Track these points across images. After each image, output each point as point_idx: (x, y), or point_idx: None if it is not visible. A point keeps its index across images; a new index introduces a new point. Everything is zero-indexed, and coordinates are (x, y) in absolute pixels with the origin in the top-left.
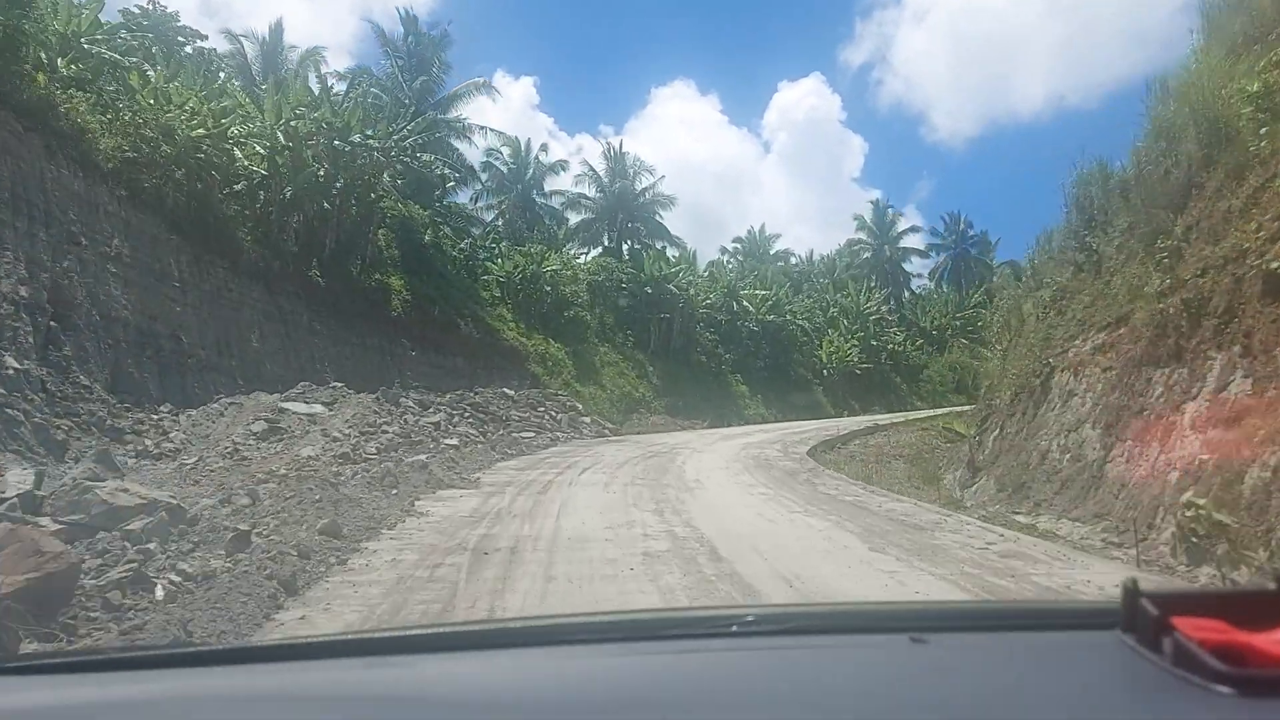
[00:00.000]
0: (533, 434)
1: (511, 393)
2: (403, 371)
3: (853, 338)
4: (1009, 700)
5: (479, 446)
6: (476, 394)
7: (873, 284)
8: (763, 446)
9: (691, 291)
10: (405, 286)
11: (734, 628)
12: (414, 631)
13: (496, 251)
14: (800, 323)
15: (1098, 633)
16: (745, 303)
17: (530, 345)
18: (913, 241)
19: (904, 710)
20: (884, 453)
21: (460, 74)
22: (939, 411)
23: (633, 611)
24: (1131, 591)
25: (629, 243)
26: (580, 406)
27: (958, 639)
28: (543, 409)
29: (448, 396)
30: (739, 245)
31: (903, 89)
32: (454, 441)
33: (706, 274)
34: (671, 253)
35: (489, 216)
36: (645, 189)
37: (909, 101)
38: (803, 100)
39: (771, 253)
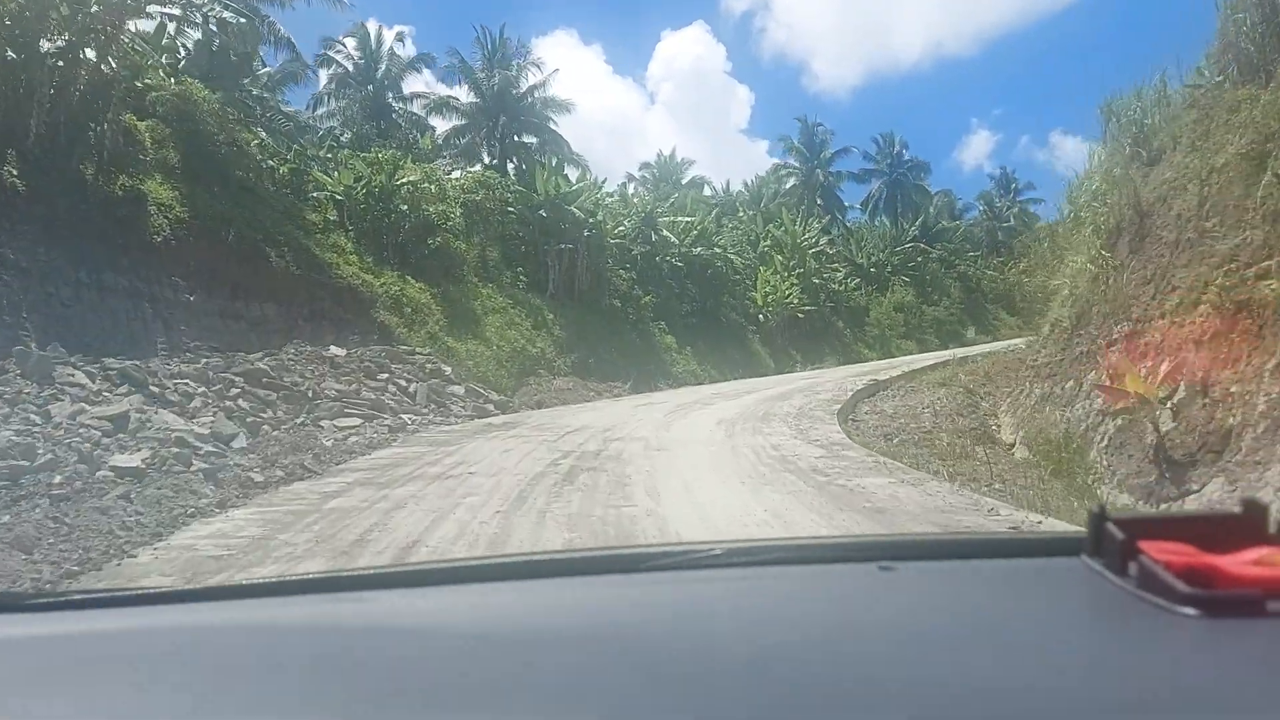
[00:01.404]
0: (357, 421)
1: (341, 352)
2: (172, 326)
3: (791, 275)
4: (977, 621)
5: (199, 467)
6: (269, 358)
7: (813, 212)
8: (761, 429)
9: (599, 217)
10: (180, 200)
11: (702, 559)
12: (379, 570)
13: (332, 162)
14: (731, 257)
15: (1065, 559)
16: (666, 232)
17: (379, 285)
18: (847, 165)
19: (873, 632)
20: (949, 431)
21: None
22: (932, 358)
23: (600, 549)
24: (1098, 516)
25: (515, 161)
26: (450, 370)
27: (926, 566)
28: (385, 376)
29: (204, 363)
30: (648, 173)
31: (786, 37)
32: (131, 461)
33: (616, 197)
34: (572, 173)
35: (332, 126)
36: (533, 87)
37: (792, 50)
38: (687, 49)
39: (684, 180)
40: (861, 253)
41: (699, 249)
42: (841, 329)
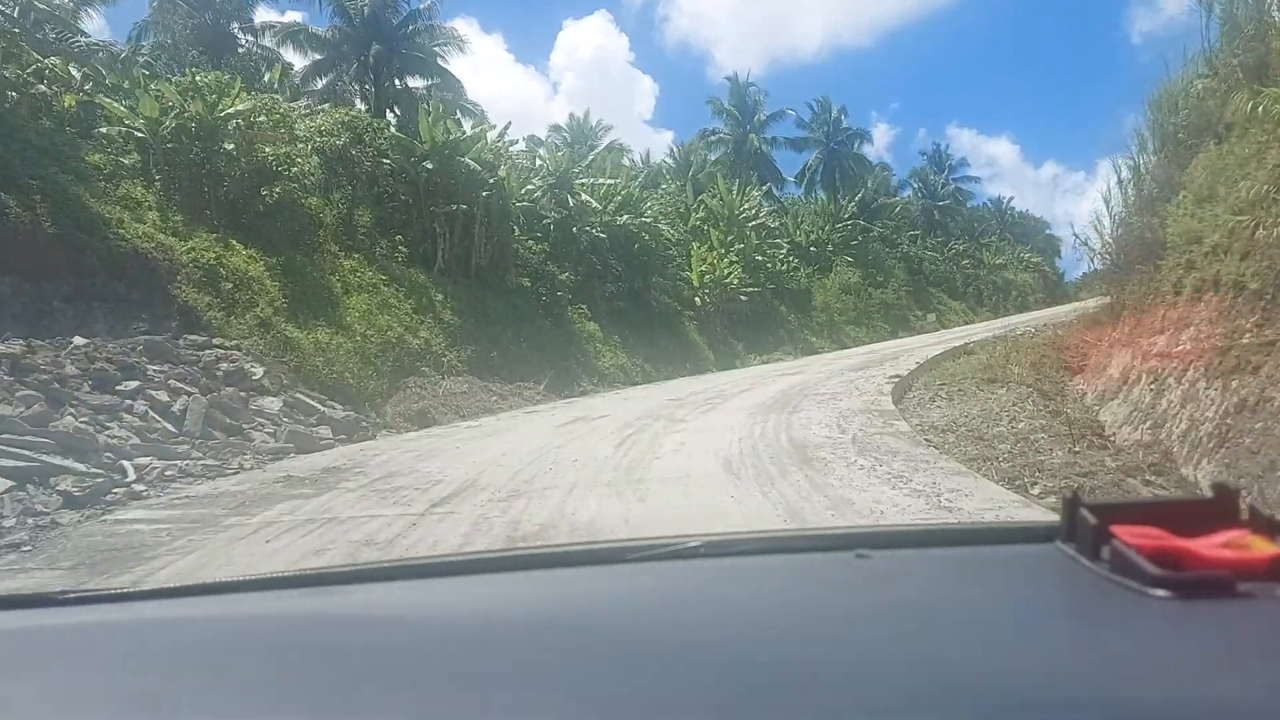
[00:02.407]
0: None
1: (81, 344)
2: None
3: (730, 252)
4: (952, 607)
5: None
6: None
7: (749, 181)
8: (823, 479)
9: (503, 173)
10: None
11: (681, 550)
12: (353, 566)
13: (140, 89)
14: (663, 228)
15: (1040, 545)
16: (585, 196)
17: (184, 252)
18: (783, 131)
19: (850, 618)
20: None
21: None
22: (914, 344)
23: (577, 543)
24: (1071, 502)
25: (397, 113)
26: (261, 373)
27: (902, 554)
28: (134, 385)
29: None
30: (558, 137)
31: (689, 27)
32: None
33: (524, 150)
34: (466, 125)
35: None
36: (416, 13)
37: (695, 40)
38: (590, 38)
39: (603, 145)
40: (800, 230)
41: (624, 217)
42: (785, 315)
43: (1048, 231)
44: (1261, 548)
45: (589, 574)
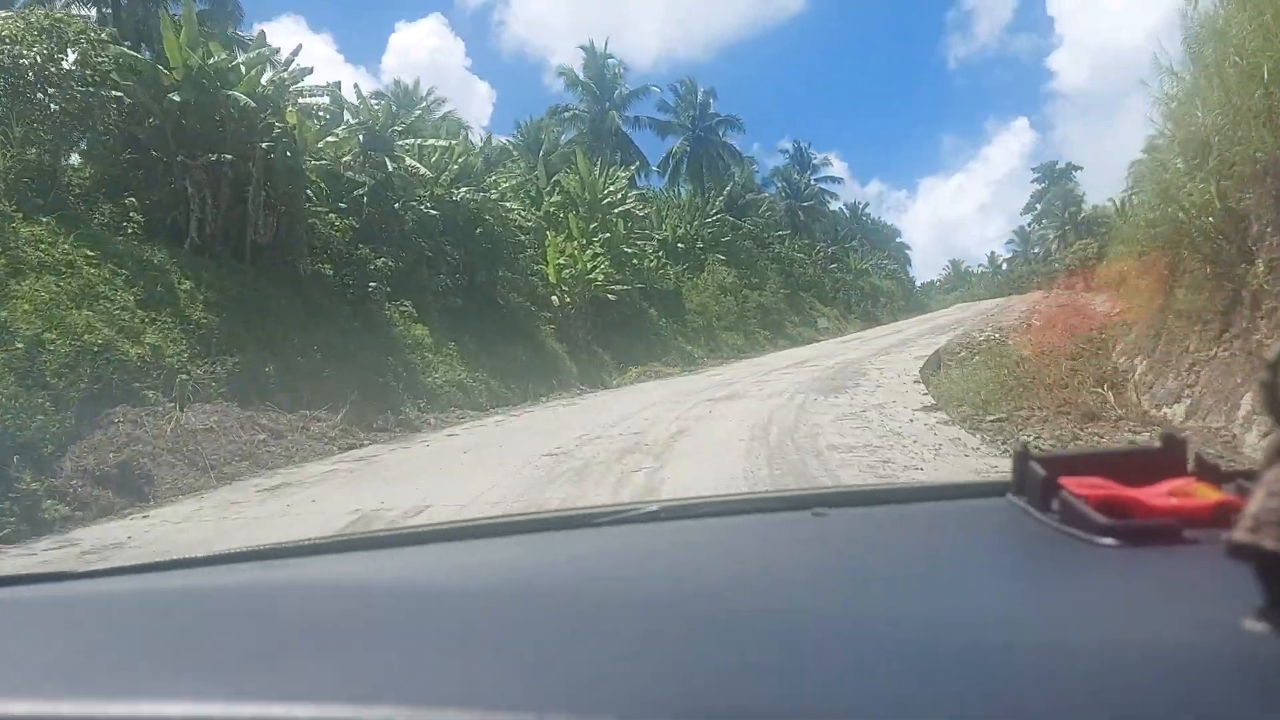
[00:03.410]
0: None
1: None
2: None
3: (593, 243)
4: (906, 560)
5: None
6: None
7: (615, 161)
8: None
9: (291, 119)
10: None
11: (649, 514)
12: (308, 541)
13: None
14: (510, 206)
15: (990, 500)
16: (411, 160)
17: None
18: (646, 111)
19: (806, 573)
20: None
21: None
22: (828, 349)
23: (535, 511)
24: (1021, 455)
25: (154, 50)
26: None
27: (858, 512)
28: None
29: None
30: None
31: (525, 33)
32: None
33: (325, 97)
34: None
35: None
36: None
37: (532, 47)
38: (423, 41)
39: (439, 116)
40: (666, 224)
41: (462, 191)
42: (657, 319)
43: (898, 240)
44: (1206, 495)
45: (551, 539)
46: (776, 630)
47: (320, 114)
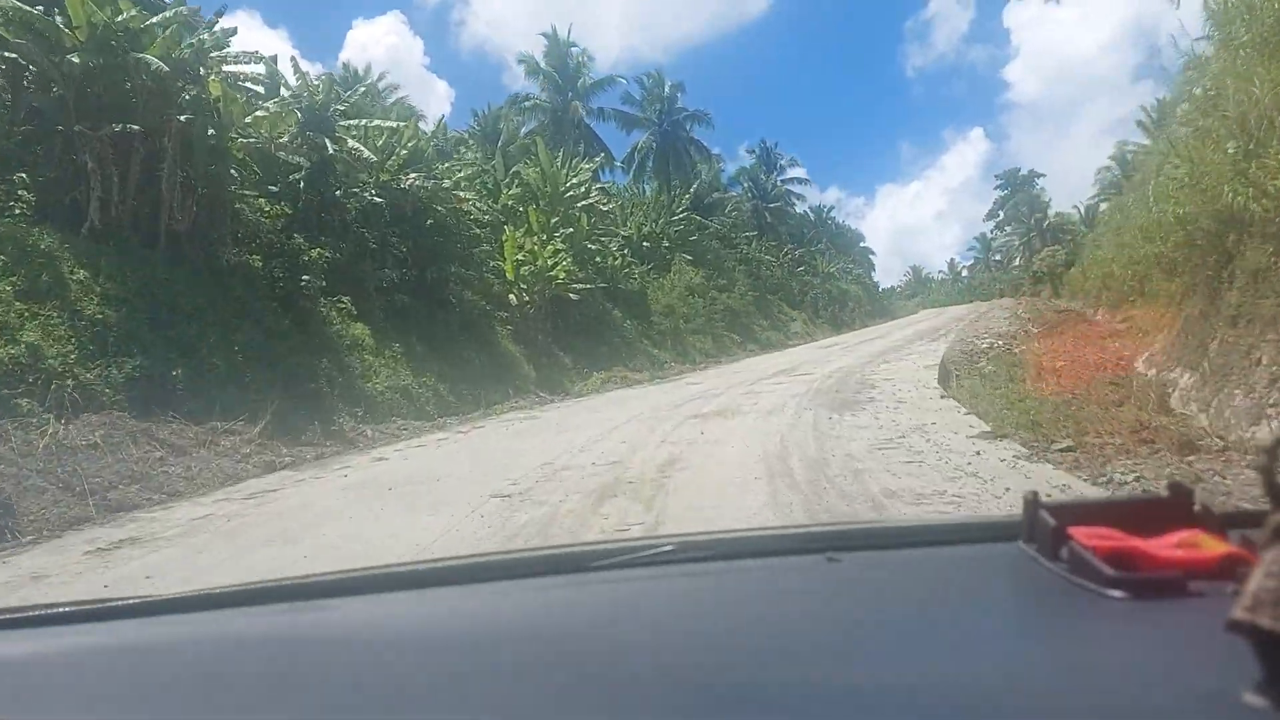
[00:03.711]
0: None
1: None
2: None
3: (554, 239)
4: (920, 611)
5: None
6: None
7: (578, 153)
8: None
9: (215, 89)
10: None
11: (654, 556)
12: (324, 577)
13: None
14: (465, 195)
15: (1002, 545)
16: (354, 142)
17: None
18: (610, 103)
19: (822, 625)
20: None
21: None
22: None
23: (550, 547)
24: (1032, 503)
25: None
26: None
27: (871, 556)
28: None
29: None
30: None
31: (485, 33)
32: None
33: (257, 70)
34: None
35: None
36: None
37: (491, 47)
38: (382, 39)
39: (390, 103)
40: (630, 221)
41: (412, 178)
42: (621, 320)
43: (862, 244)
44: (1211, 547)
45: (558, 583)
46: (788, 692)
47: (248, 85)
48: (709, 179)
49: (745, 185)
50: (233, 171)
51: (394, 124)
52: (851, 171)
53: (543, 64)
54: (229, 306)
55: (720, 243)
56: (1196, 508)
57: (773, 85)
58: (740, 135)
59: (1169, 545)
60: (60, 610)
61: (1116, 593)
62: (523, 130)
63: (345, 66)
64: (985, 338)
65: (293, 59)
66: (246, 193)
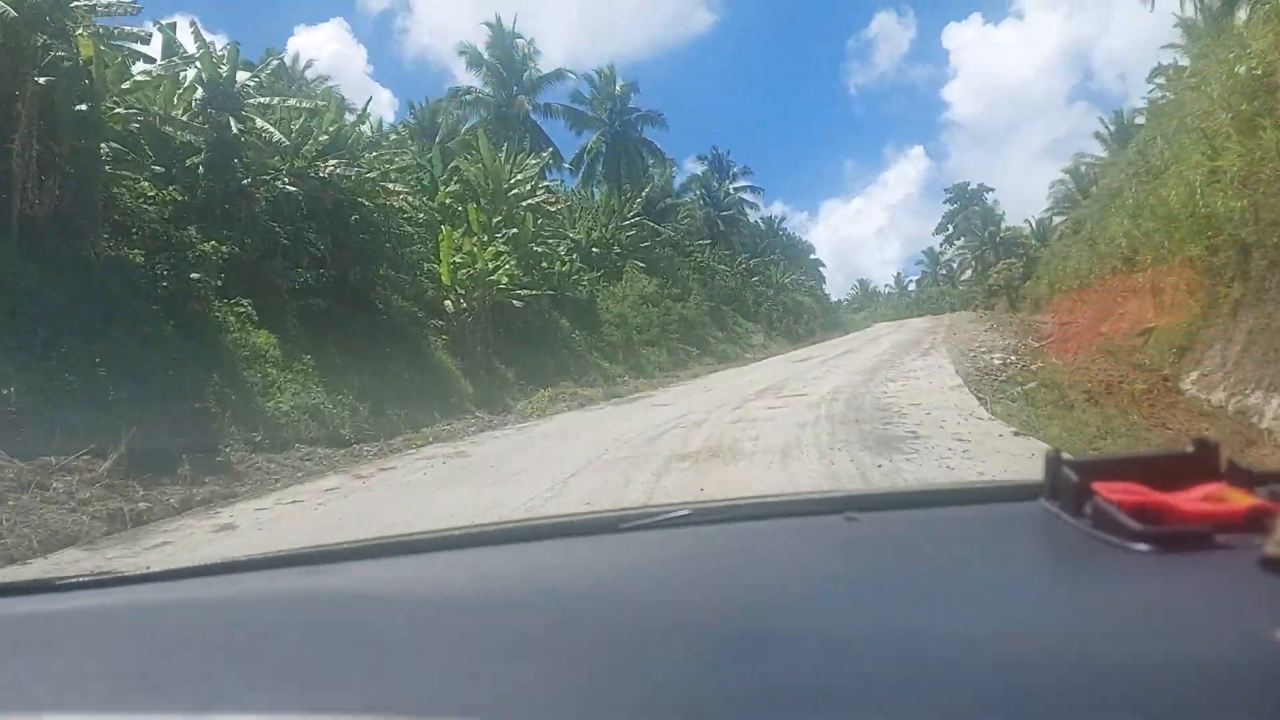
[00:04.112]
0: None
1: None
2: None
3: (496, 240)
4: (940, 567)
5: None
6: None
7: (524, 147)
8: None
9: (85, 47)
10: None
11: (674, 519)
12: (350, 544)
13: None
14: (394, 189)
15: (1024, 504)
16: (263, 123)
17: None
18: (559, 99)
19: (840, 582)
20: None
21: None
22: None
23: (572, 514)
24: (1054, 460)
25: None
26: None
27: (891, 515)
28: None
29: None
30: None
31: (428, 41)
32: None
33: (143, 29)
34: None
35: None
36: None
37: (435, 56)
38: (324, 46)
39: (319, 92)
40: (579, 225)
41: (332, 165)
42: (569, 331)
43: (812, 256)
44: (1238, 500)
45: (578, 545)
46: (808, 647)
47: (138, 48)
48: (662, 184)
49: (697, 192)
50: (109, 148)
51: (311, 104)
52: (796, 187)
53: (486, 55)
54: (95, 308)
55: (673, 250)
56: (1223, 464)
57: (717, 102)
58: (686, 150)
59: (1195, 499)
60: (75, 580)
61: (1142, 546)
62: (464, 126)
63: (269, 52)
64: (989, 353)
65: (193, 24)
66: (126, 174)
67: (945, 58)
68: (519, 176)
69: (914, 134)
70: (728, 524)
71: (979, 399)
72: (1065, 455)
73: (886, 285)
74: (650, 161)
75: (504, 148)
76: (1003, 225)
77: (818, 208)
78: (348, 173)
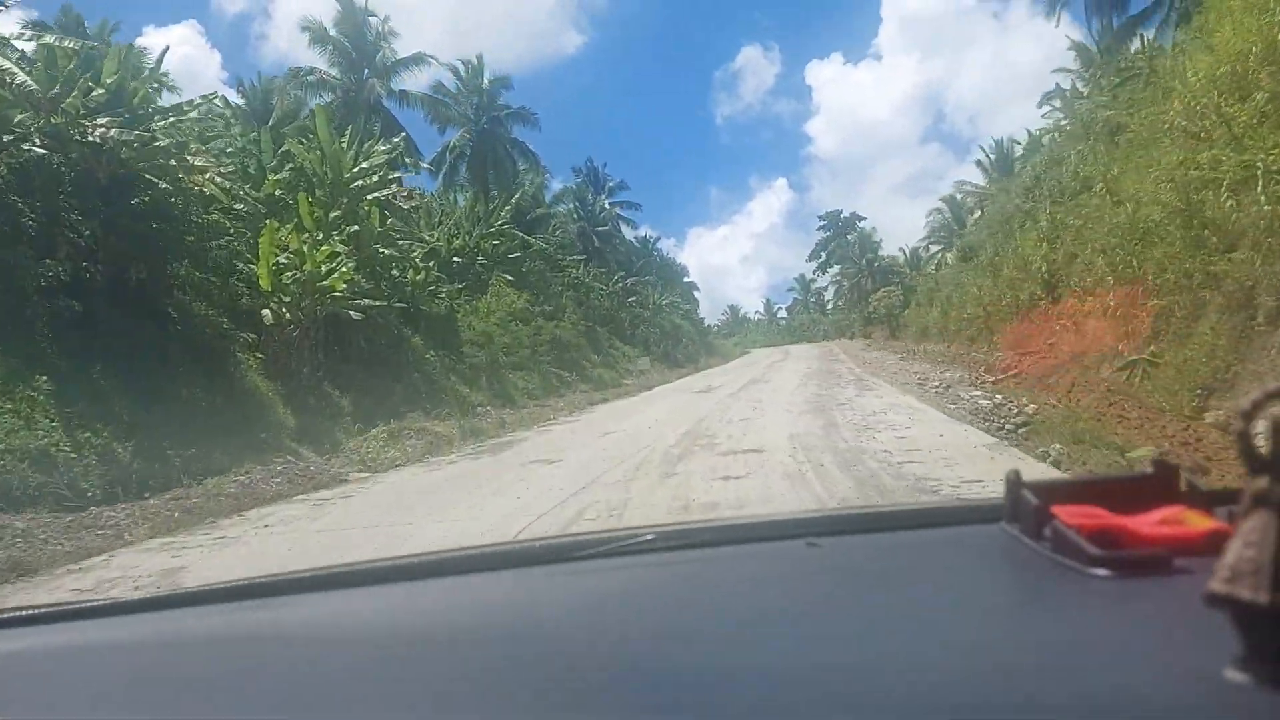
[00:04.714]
0: None
1: None
2: None
3: (331, 238)
4: (901, 593)
5: None
6: None
7: (374, 129)
8: None
9: None
10: None
11: (634, 545)
12: (302, 574)
13: None
14: (204, 167)
15: (984, 526)
16: (5, 61)
17: None
18: (418, 85)
19: (802, 610)
20: None
21: None
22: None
23: (527, 541)
24: (1014, 483)
25: None
26: None
27: (852, 540)
28: None
29: None
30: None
31: (286, 48)
32: None
33: None
34: None
35: None
36: None
37: (293, 63)
38: (174, 49)
39: (144, 72)
40: (438, 231)
41: (104, 125)
42: (423, 351)
43: (687, 279)
44: (1197, 523)
45: (537, 574)
46: (770, 680)
47: None
48: (534, 191)
49: (571, 205)
50: None
51: (73, 43)
52: (664, 213)
53: (333, 31)
54: None
55: (546, 264)
56: (1183, 485)
57: (584, 127)
58: (554, 172)
59: (1153, 523)
60: (25, 613)
61: (1101, 571)
62: (305, 111)
63: (66, 11)
64: (944, 387)
65: None
66: None
67: (808, 93)
68: (364, 165)
69: (778, 166)
70: (689, 550)
71: (1017, 455)
72: (1025, 478)
73: (756, 312)
74: (522, 166)
75: (348, 130)
76: (879, 253)
77: (685, 234)
78: (127, 138)
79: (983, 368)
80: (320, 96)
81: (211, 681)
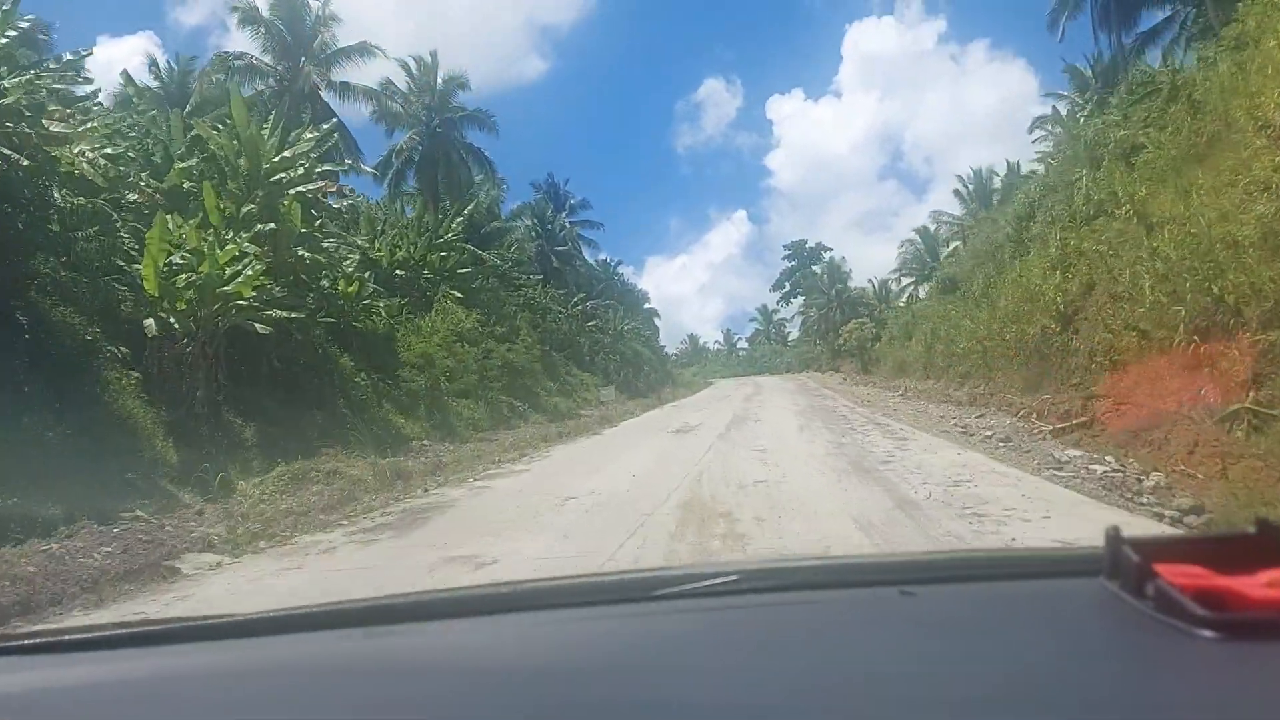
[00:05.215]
0: None
1: None
2: None
3: (240, 237)
4: (998, 647)
5: None
6: None
7: (303, 118)
8: None
9: None
10: None
11: (719, 586)
12: (412, 599)
13: None
14: (69, 134)
15: (1082, 580)
16: None
17: None
18: (363, 79)
19: (896, 663)
20: None
21: None
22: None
23: (613, 573)
24: (1115, 538)
25: None
26: None
27: (946, 589)
28: None
29: None
30: None
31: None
32: None
33: None
34: None
35: None
36: None
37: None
38: (129, 60)
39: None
40: (380, 242)
41: None
42: (351, 372)
43: (647, 305)
44: None
45: (623, 612)
46: None
47: None
48: (489, 203)
49: (529, 221)
50: None
51: None
52: (623, 241)
53: (265, 12)
54: None
55: (499, 281)
56: None
57: (543, 153)
58: (511, 196)
59: (1261, 584)
60: (114, 634)
61: (1207, 632)
62: (229, 94)
63: None
64: (1002, 439)
65: None
66: None
67: (769, 127)
68: (288, 154)
69: (738, 197)
70: (778, 593)
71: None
72: (1125, 534)
73: (716, 342)
74: (478, 176)
75: (271, 115)
76: (849, 284)
77: (643, 262)
78: None
79: (1032, 414)
80: (250, 85)
81: (319, 711)
